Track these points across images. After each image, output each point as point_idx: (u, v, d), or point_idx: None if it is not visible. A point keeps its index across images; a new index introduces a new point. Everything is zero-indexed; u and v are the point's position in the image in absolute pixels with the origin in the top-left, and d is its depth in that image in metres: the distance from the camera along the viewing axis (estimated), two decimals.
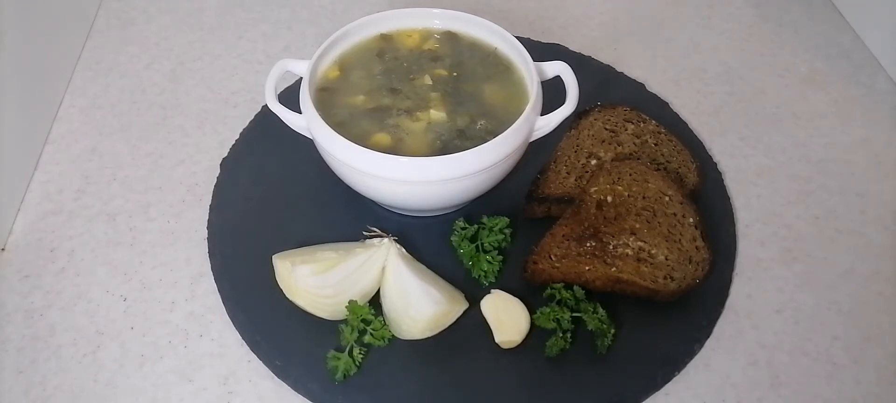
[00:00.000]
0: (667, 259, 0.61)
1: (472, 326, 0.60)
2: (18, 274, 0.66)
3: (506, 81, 0.68)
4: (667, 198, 0.64)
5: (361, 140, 0.61)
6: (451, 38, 0.71)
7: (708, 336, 0.61)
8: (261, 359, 0.59)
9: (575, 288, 0.60)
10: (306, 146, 0.65)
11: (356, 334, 0.58)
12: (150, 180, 0.74)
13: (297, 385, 0.58)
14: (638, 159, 0.68)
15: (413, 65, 0.69)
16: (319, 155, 0.64)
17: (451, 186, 0.61)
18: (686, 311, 0.62)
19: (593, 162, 0.69)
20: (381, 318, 0.59)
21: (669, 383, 0.59)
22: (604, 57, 0.85)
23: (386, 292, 0.60)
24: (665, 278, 0.61)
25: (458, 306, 0.60)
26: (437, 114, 0.65)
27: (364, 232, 0.64)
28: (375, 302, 0.61)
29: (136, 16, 0.92)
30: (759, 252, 0.68)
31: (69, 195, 0.72)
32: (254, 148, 0.74)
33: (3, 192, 0.69)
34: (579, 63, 0.78)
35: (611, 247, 0.62)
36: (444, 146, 0.63)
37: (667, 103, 0.80)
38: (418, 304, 0.59)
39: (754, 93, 0.83)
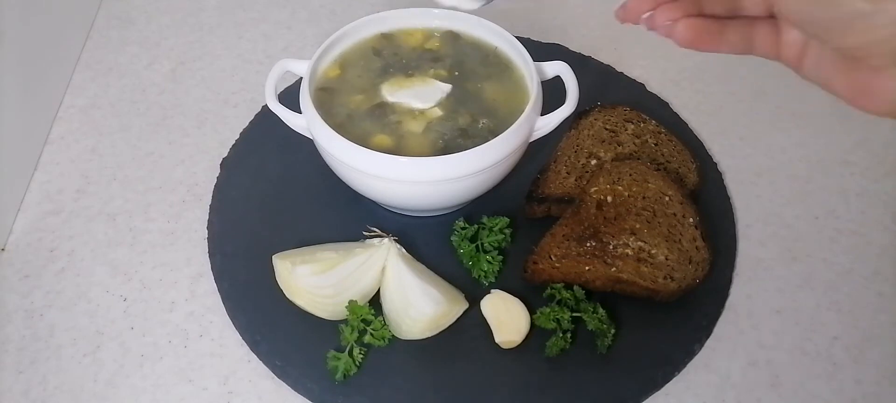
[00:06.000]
0: (667, 259, 0.61)
1: (472, 326, 0.61)
2: (18, 274, 0.66)
3: (506, 81, 0.68)
4: (667, 198, 0.64)
5: (362, 140, 0.61)
6: (451, 37, 0.71)
7: (708, 336, 0.61)
8: (261, 359, 0.59)
9: (575, 288, 0.60)
10: (306, 146, 0.65)
11: (356, 334, 0.58)
12: (150, 180, 0.73)
13: (297, 386, 0.58)
14: (638, 159, 0.68)
15: (413, 64, 0.69)
16: (319, 155, 0.64)
17: (452, 186, 0.61)
18: (686, 311, 0.62)
19: (593, 162, 0.69)
20: (381, 318, 0.59)
21: (669, 383, 0.59)
22: (604, 57, 0.85)
23: (386, 292, 0.60)
24: (665, 278, 0.61)
25: (458, 306, 0.60)
26: (437, 114, 0.64)
27: (364, 232, 0.64)
28: (375, 302, 0.61)
29: (136, 16, 0.92)
30: (759, 252, 0.68)
31: (69, 195, 0.72)
32: (254, 148, 0.74)
33: (3, 192, 0.69)
34: (579, 63, 0.78)
35: (611, 247, 0.62)
36: (445, 146, 0.63)
37: (667, 103, 0.80)
38: (418, 304, 0.58)
39: (754, 93, 0.83)
